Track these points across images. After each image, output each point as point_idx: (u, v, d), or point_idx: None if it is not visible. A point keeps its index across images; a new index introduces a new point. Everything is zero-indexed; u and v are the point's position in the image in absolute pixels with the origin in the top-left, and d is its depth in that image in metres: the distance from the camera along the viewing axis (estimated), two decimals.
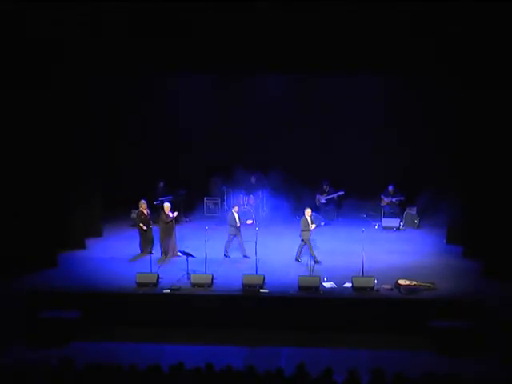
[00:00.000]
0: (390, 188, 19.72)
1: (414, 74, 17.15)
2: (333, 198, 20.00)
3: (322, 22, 15.20)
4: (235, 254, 16.86)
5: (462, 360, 12.58)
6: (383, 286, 14.58)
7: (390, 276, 14.98)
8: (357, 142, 20.25)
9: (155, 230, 17.09)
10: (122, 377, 10.06)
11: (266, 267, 15.70)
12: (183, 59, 16.23)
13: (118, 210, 20.18)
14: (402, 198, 19.65)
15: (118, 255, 16.95)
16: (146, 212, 17.04)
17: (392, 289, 14.51)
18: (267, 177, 19.82)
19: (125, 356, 12.27)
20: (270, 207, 19.98)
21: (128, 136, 20.58)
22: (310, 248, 16.11)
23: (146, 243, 16.85)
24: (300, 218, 19.75)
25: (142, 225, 16.86)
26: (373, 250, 16.43)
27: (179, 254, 16.32)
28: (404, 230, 19.33)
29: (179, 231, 17.18)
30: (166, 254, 16.60)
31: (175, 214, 16.89)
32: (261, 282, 14.63)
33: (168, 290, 14.53)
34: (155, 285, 14.74)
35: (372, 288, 14.42)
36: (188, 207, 20.33)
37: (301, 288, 14.51)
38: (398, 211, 19.77)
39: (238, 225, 16.63)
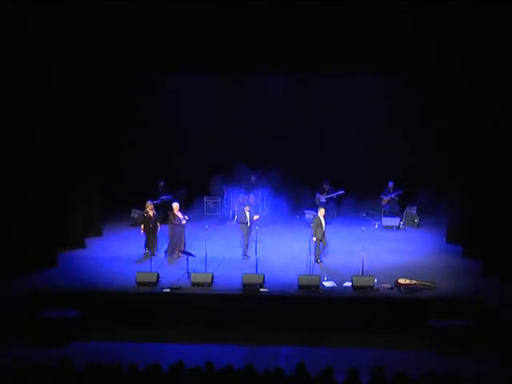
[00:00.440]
0: (390, 184, 19.73)
1: (413, 73, 17.18)
2: (332, 197, 19.97)
3: (322, 22, 15.20)
4: (234, 254, 16.81)
5: (461, 359, 12.55)
6: (383, 285, 14.56)
7: (390, 275, 14.96)
8: (357, 141, 20.23)
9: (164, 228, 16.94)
10: (122, 376, 10.03)
11: (266, 266, 15.68)
12: (183, 59, 16.22)
13: (118, 210, 20.16)
14: (401, 192, 19.65)
15: (118, 255, 16.92)
16: (151, 213, 16.79)
17: (392, 288, 14.49)
18: (267, 176, 19.78)
19: (125, 355, 12.22)
20: (270, 206, 19.96)
21: (128, 135, 20.56)
22: (318, 247, 16.05)
23: (149, 244, 16.60)
24: (300, 217, 19.88)
25: (142, 226, 16.66)
26: (373, 249, 16.42)
27: (180, 255, 16.28)
28: (404, 229, 19.31)
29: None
30: (171, 254, 16.44)
31: (186, 218, 16.63)
32: (261, 281, 14.61)
33: (168, 290, 14.50)
34: (155, 284, 14.72)
35: (372, 287, 14.40)
36: (188, 206, 20.29)
37: (301, 287, 14.49)
38: (397, 210, 19.75)
39: (249, 223, 16.51)
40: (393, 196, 19.72)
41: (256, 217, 16.81)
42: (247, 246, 16.58)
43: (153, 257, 16.04)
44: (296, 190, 19.90)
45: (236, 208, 19.99)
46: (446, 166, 17.94)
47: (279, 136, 20.54)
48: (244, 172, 19.74)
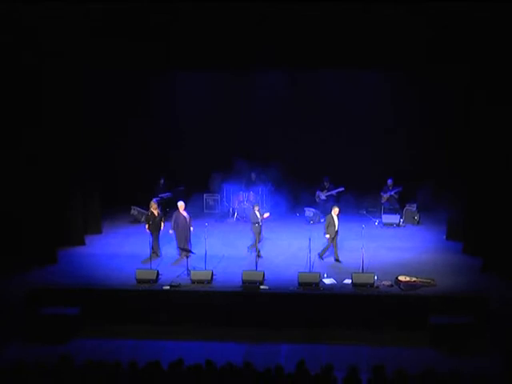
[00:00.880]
0: (389, 182, 19.70)
1: (413, 69, 17.17)
2: (332, 194, 19.95)
3: (322, 17, 15.14)
4: (234, 251, 16.81)
5: (462, 356, 12.57)
6: (383, 282, 14.56)
7: (390, 272, 14.96)
8: (356, 138, 20.20)
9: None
10: (122, 374, 10.04)
11: (266, 263, 15.69)
12: (182, 55, 16.14)
13: (117, 207, 20.14)
14: (400, 189, 19.63)
15: (117, 252, 16.91)
16: (156, 212, 16.56)
17: (392, 285, 14.49)
18: (267, 173, 19.77)
19: (124, 353, 12.28)
20: (270, 204, 19.95)
21: (127, 132, 20.52)
22: (331, 247, 16.02)
23: (156, 245, 16.45)
24: (300, 214, 19.86)
25: (147, 226, 16.42)
26: (373, 247, 16.43)
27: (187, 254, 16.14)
28: (404, 226, 19.30)
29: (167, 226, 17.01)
30: (182, 253, 16.22)
31: (191, 229, 16.30)
32: (261, 279, 14.60)
33: (168, 287, 14.50)
34: (155, 281, 14.70)
35: (372, 284, 14.40)
36: (187, 203, 20.25)
37: (301, 284, 14.48)
38: (397, 207, 19.74)
39: (261, 223, 16.36)
40: (392, 193, 19.71)
41: (266, 214, 16.66)
42: (258, 244, 16.48)
43: (158, 258, 16.06)
44: (296, 187, 19.87)
45: (236, 205, 19.98)
46: (445, 163, 17.94)
47: (279, 133, 20.51)
48: (244, 169, 19.71)
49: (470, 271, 15.36)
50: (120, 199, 19.96)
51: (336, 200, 19.94)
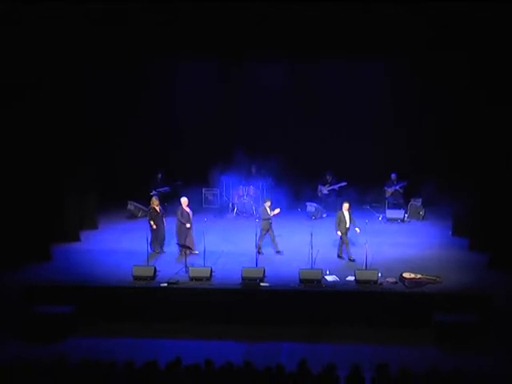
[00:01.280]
0: (393, 176, 19.73)
1: (418, 60, 17.19)
2: (335, 189, 19.98)
3: (323, 6, 15.17)
4: (233, 247, 16.85)
5: (467, 355, 12.57)
6: (387, 279, 14.59)
7: (395, 269, 14.99)
8: (359, 131, 20.19)
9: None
10: (119, 374, 10.07)
11: (267, 260, 15.73)
12: (182, 44, 16.23)
13: (114, 201, 20.14)
14: (405, 184, 19.65)
15: (113, 248, 16.94)
16: (158, 209, 16.55)
17: (396, 282, 14.51)
18: (267, 167, 19.77)
19: (121, 352, 12.31)
20: (271, 198, 19.93)
21: (124, 125, 20.50)
22: (345, 244, 15.98)
23: (157, 242, 16.48)
24: (301, 209, 19.89)
25: (152, 222, 16.38)
26: (376, 243, 16.43)
27: (196, 251, 16.15)
28: (409, 221, 19.32)
29: (169, 222, 16.91)
30: (182, 250, 16.20)
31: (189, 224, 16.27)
32: (261, 275, 14.63)
33: (165, 284, 14.52)
34: (152, 278, 14.73)
35: (376, 281, 14.42)
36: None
37: (302, 281, 14.50)
38: (402, 202, 19.76)
39: (271, 218, 16.31)
40: (397, 188, 19.73)
41: (277, 210, 16.54)
42: (274, 240, 16.47)
43: (162, 254, 16.09)
44: (297, 181, 19.88)
45: (236, 200, 20.00)
46: (451, 157, 17.94)
47: (280, 126, 20.51)
48: (243, 163, 19.72)
49: (476, 268, 15.39)
50: (116, 194, 19.98)
51: (338, 194, 19.99)
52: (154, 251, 16.38)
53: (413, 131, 19.76)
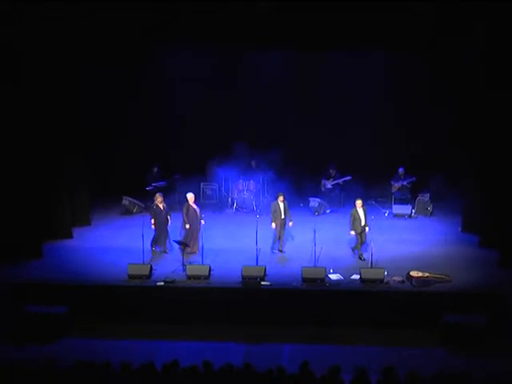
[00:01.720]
0: (401, 170, 19.70)
1: (427, 51, 17.19)
2: (339, 183, 19.95)
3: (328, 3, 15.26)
4: (233, 245, 16.82)
5: (477, 357, 12.57)
6: (394, 278, 14.59)
7: (402, 267, 14.98)
8: (364, 123, 20.17)
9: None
10: (114, 376, 10.06)
11: (268, 258, 15.72)
12: (182, 33, 16.24)
13: (107, 196, 20.13)
14: (414, 179, 19.63)
15: (107, 245, 16.93)
16: (161, 206, 16.36)
17: (403, 281, 14.51)
18: (268, 160, 19.73)
19: (116, 354, 12.29)
20: (272, 193, 19.92)
21: (118, 118, 20.47)
22: (358, 242, 15.93)
23: (161, 241, 16.36)
24: (304, 205, 19.86)
25: (153, 221, 16.27)
26: (382, 240, 16.44)
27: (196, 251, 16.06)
28: (416, 217, 19.30)
29: (174, 219, 16.91)
30: (185, 248, 16.07)
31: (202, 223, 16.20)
32: (262, 274, 14.62)
33: (162, 283, 14.52)
34: (148, 277, 14.72)
35: (382, 280, 14.42)
36: (182, 193, 20.25)
37: (305, 280, 14.51)
38: (409, 197, 19.73)
39: (283, 216, 16.27)
40: (405, 183, 19.68)
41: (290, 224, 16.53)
42: (277, 239, 16.45)
43: (165, 254, 16.10)
44: (299, 175, 19.83)
45: (235, 195, 19.98)
46: (460, 151, 17.91)
47: (281, 118, 20.49)
48: (243, 156, 19.69)
49: (486, 266, 15.37)
50: (110, 189, 19.96)
51: (342, 189, 19.97)
52: (159, 251, 16.29)
53: (422, 123, 19.71)
